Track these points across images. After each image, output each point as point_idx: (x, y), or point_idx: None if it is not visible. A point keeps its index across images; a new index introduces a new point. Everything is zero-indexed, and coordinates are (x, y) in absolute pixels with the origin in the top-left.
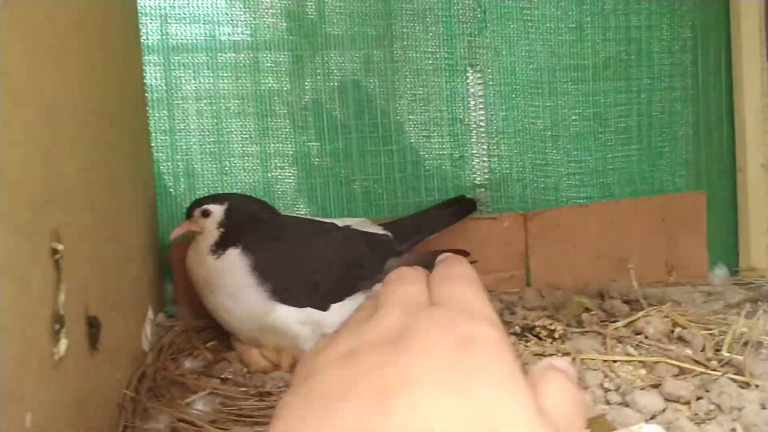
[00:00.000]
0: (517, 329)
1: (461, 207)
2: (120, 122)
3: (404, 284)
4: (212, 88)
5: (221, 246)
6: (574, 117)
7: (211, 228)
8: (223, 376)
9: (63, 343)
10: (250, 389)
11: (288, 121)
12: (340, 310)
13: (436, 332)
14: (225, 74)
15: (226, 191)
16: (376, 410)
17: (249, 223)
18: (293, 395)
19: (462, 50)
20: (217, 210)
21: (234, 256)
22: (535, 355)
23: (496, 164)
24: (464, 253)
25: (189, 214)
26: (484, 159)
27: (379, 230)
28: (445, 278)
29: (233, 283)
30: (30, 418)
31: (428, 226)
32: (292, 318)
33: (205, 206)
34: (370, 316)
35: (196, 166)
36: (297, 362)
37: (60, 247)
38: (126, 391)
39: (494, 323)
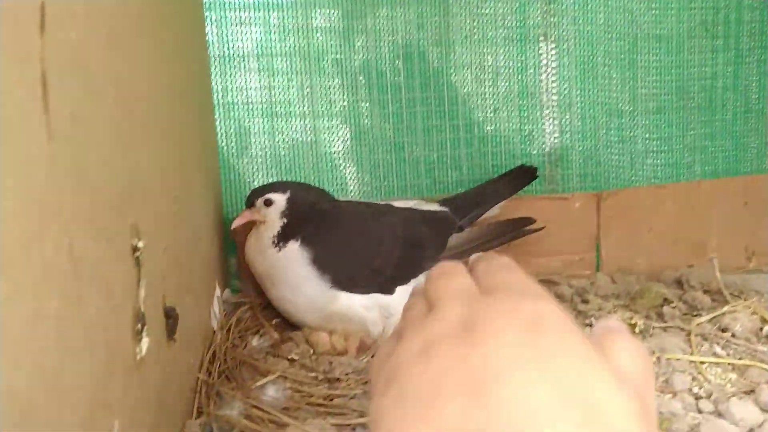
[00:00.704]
0: (593, 321)
1: (520, 174)
2: (188, 97)
3: (450, 278)
4: (269, 60)
5: (282, 238)
6: (654, 91)
7: (274, 218)
8: (290, 357)
9: (145, 342)
10: (318, 374)
11: (353, 95)
12: (405, 293)
13: (503, 318)
14: (285, 41)
15: (290, 167)
16: (478, 406)
17: (309, 212)
18: (384, 399)
19: (535, 19)
20: (280, 199)
21: (294, 249)
22: None
23: (569, 140)
24: (529, 221)
25: (250, 203)
26: (556, 135)
27: (437, 207)
28: (489, 270)
29: (294, 277)
30: (117, 424)
31: (488, 199)
32: (357, 303)
33: (268, 195)
34: (427, 312)
35: (253, 139)
36: (364, 346)
37: (141, 243)
38: (199, 375)
39: (550, 300)
